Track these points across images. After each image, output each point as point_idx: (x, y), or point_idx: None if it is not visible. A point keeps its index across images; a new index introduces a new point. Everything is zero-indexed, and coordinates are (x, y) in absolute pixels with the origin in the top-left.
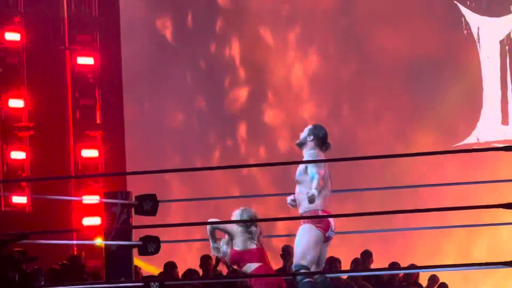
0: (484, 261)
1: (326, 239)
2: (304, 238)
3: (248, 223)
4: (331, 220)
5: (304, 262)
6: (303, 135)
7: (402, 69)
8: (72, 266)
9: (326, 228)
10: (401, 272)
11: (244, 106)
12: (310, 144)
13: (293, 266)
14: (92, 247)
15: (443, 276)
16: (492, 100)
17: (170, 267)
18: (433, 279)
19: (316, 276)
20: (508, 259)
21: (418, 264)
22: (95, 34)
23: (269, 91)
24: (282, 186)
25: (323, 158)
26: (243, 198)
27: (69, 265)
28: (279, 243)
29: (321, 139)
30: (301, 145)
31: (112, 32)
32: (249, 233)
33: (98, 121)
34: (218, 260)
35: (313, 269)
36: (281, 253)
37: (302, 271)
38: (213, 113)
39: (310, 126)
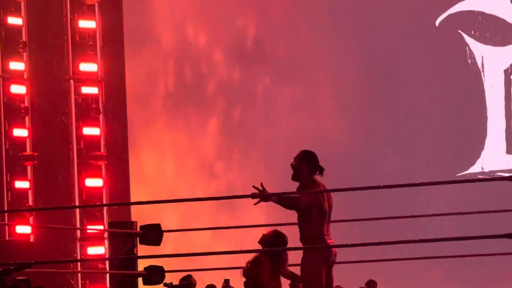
0: None
1: (330, 264)
2: (309, 265)
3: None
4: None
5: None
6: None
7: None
8: None
9: (328, 253)
10: None
11: None
12: (304, 170)
13: None
14: (96, 276)
15: None
16: (496, 129)
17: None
18: None
19: None
20: None
21: None
22: (100, 63)
23: None
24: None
25: (317, 181)
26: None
27: None
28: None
29: (313, 164)
30: (297, 175)
31: (116, 60)
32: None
33: (102, 150)
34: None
35: None
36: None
37: None
38: None
39: (299, 154)
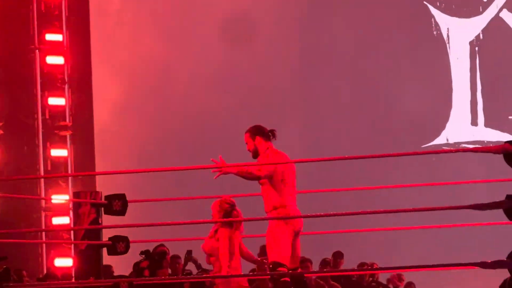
0: None
1: (296, 234)
2: (275, 236)
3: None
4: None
5: (281, 260)
6: (248, 144)
7: (371, 69)
8: None
9: (293, 224)
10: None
11: None
12: (259, 144)
13: (270, 265)
14: (61, 246)
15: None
16: (461, 101)
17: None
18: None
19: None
20: None
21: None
22: (65, 34)
23: None
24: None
25: (273, 147)
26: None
27: None
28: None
29: (264, 133)
30: (256, 152)
31: (82, 31)
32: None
33: (67, 120)
34: (187, 259)
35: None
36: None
37: (279, 269)
38: None
39: (247, 133)
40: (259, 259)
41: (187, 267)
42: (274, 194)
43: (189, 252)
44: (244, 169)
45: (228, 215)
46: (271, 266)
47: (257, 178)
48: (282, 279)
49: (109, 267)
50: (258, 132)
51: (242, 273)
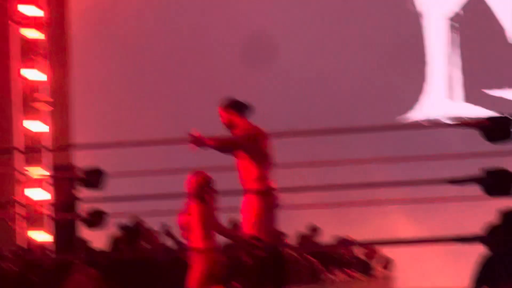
0: None
1: (273, 208)
2: (251, 209)
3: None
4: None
5: (256, 233)
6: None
7: (348, 42)
8: None
9: (270, 197)
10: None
11: None
12: (234, 117)
13: (245, 238)
14: (37, 219)
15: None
16: (437, 75)
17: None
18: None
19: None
20: None
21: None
22: (43, 6)
23: None
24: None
25: (248, 120)
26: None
27: None
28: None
29: (239, 106)
30: (232, 126)
31: (61, 5)
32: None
33: (46, 94)
34: (163, 233)
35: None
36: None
37: (254, 242)
38: None
39: (221, 106)
40: (235, 234)
41: (162, 241)
42: (252, 166)
43: (164, 226)
44: (220, 142)
45: (203, 190)
46: (247, 239)
47: (233, 150)
48: (258, 253)
49: (83, 241)
50: (232, 105)
51: (217, 248)
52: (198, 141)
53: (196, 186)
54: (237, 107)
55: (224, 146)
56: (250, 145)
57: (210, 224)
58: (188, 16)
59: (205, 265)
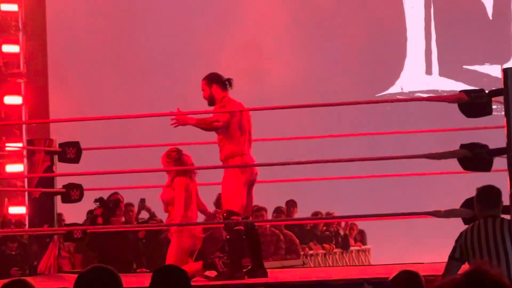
0: None
1: (251, 183)
2: (230, 184)
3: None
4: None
5: (234, 209)
6: (205, 91)
7: (325, 18)
8: None
9: (249, 172)
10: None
11: None
12: (216, 92)
13: (224, 213)
14: (15, 194)
15: None
16: (416, 50)
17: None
18: (360, 233)
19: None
20: None
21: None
22: None
23: None
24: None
25: (229, 96)
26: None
27: None
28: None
29: (221, 81)
30: (212, 100)
31: None
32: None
33: (21, 68)
34: (140, 207)
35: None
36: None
37: (233, 217)
38: None
39: (204, 80)
40: (211, 212)
41: (140, 215)
42: (230, 142)
43: (142, 201)
44: (202, 120)
45: (179, 163)
46: (225, 214)
47: (216, 128)
48: (236, 228)
49: (60, 215)
50: (215, 80)
51: (197, 222)
52: (181, 119)
53: (172, 161)
54: (218, 82)
55: (207, 124)
56: (231, 121)
57: (192, 198)
58: None
59: (184, 240)
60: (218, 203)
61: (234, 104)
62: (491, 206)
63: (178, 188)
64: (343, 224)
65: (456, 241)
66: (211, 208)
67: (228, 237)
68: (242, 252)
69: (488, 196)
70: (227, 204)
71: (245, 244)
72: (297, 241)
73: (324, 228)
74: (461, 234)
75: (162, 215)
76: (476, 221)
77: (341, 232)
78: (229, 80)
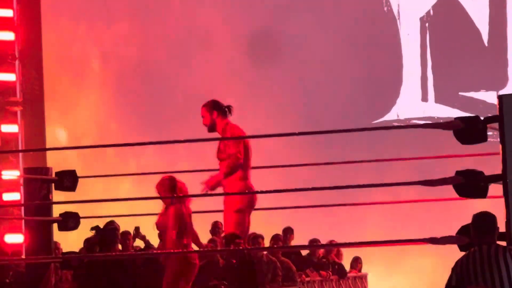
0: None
1: (252, 208)
2: (233, 207)
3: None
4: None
5: (237, 231)
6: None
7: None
8: None
9: (253, 198)
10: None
11: None
12: (217, 119)
13: (227, 236)
14: (11, 222)
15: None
16: (412, 77)
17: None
18: (356, 260)
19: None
20: None
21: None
22: (15, 9)
23: None
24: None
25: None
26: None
27: None
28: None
29: (222, 108)
30: (213, 127)
31: (32, 6)
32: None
33: (18, 96)
34: (135, 235)
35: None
36: (210, 228)
37: (236, 240)
38: None
39: (205, 107)
40: (203, 244)
41: (135, 244)
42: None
43: (137, 229)
44: (227, 169)
45: (174, 190)
46: (228, 237)
47: (240, 166)
48: (239, 252)
49: (56, 243)
50: (216, 107)
51: (194, 250)
52: (209, 183)
53: (167, 188)
54: (219, 109)
55: (232, 169)
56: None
57: (187, 225)
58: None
59: (178, 266)
60: (214, 231)
61: (240, 132)
62: (487, 232)
63: (171, 216)
64: (335, 251)
65: (453, 269)
66: (207, 236)
67: (234, 261)
68: (241, 277)
69: (483, 222)
70: (230, 226)
71: (243, 269)
72: (294, 268)
73: (322, 255)
74: (457, 262)
75: (156, 243)
76: (472, 249)
77: (336, 259)
78: (228, 107)
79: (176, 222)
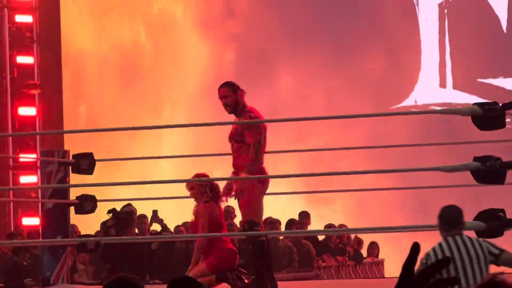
0: None
1: (265, 193)
2: (251, 194)
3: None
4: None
5: (256, 219)
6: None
7: (337, 32)
8: None
9: (267, 182)
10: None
11: None
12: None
13: (245, 224)
14: (29, 204)
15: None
16: (430, 63)
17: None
18: (372, 245)
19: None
20: None
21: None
22: None
23: None
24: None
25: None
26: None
27: None
28: None
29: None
30: (235, 107)
31: None
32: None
33: (36, 79)
34: (152, 219)
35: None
36: None
37: (256, 228)
38: None
39: (227, 87)
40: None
41: (152, 227)
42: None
43: (154, 212)
44: (252, 159)
45: (211, 189)
46: (247, 225)
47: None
48: (259, 238)
49: (73, 226)
50: (239, 87)
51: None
52: (239, 189)
53: (197, 187)
54: (241, 89)
55: (257, 155)
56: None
57: (219, 221)
58: None
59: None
60: (226, 216)
61: (259, 116)
62: (455, 224)
63: (201, 214)
64: (352, 237)
65: (425, 259)
66: None
67: (250, 247)
68: (266, 263)
69: (451, 215)
70: (249, 214)
71: (269, 255)
72: (314, 252)
73: (338, 240)
74: (428, 253)
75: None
76: (444, 240)
77: (354, 245)
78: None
79: (206, 221)
